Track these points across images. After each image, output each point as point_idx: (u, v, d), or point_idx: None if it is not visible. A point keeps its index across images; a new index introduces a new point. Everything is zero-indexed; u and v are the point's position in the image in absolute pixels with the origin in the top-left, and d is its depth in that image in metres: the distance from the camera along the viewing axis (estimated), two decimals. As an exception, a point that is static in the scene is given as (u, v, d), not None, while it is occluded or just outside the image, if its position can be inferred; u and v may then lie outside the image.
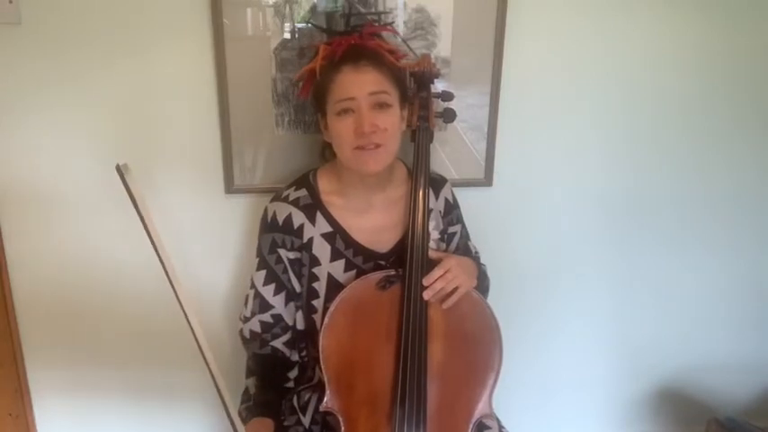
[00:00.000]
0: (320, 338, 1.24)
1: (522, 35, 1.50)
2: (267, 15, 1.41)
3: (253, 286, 1.35)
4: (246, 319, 1.36)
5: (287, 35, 1.42)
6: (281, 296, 1.33)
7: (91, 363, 1.65)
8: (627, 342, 1.87)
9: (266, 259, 1.32)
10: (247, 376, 1.36)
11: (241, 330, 1.38)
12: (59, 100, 1.42)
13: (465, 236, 1.45)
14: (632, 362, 1.90)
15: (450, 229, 1.41)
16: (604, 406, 1.96)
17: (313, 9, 1.40)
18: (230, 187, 1.53)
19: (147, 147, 1.49)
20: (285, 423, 1.35)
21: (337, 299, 1.24)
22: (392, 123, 1.22)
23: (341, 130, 1.20)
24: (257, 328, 1.34)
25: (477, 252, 1.47)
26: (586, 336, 1.85)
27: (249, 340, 1.36)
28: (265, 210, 1.34)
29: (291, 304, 1.35)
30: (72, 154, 1.47)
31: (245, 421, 1.24)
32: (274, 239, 1.31)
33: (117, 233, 1.54)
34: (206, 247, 1.57)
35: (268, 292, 1.32)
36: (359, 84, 1.18)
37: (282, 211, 1.31)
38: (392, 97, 1.22)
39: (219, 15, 1.38)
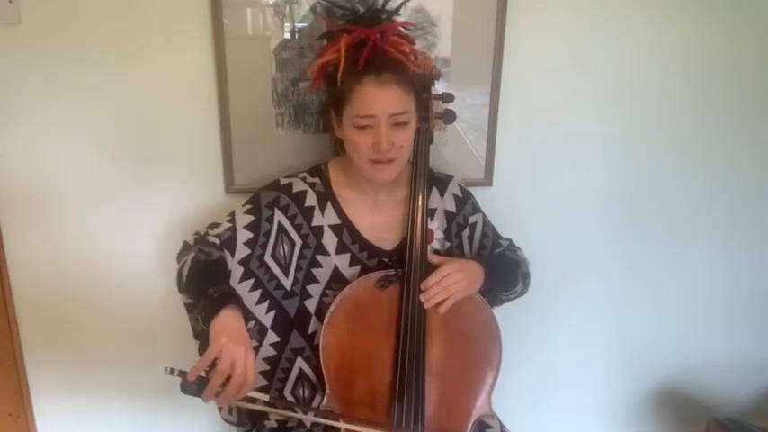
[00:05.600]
0: (320, 338, 1.24)
1: (522, 35, 1.50)
2: (267, 15, 1.41)
3: (231, 221, 1.26)
4: (201, 235, 1.25)
5: (287, 35, 1.42)
6: (247, 252, 1.25)
7: (91, 363, 1.65)
8: (627, 342, 1.87)
9: (261, 210, 1.27)
10: (183, 289, 1.20)
11: (184, 241, 1.27)
12: (59, 100, 1.42)
13: (489, 224, 1.44)
14: (632, 362, 1.90)
15: (471, 220, 1.40)
16: (604, 406, 1.96)
17: (313, 9, 1.40)
18: (230, 187, 1.53)
19: (148, 146, 1.49)
20: (288, 424, 1.34)
21: (337, 298, 1.24)
22: (408, 139, 1.23)
23: (358, 143, 1.20)
24: (214, 241, 1.23)
25: (508, 240, 1.46)
26: (587, 335, 1.85)
27: (192, 246, 1.22)
28: (278, 179, 1.32)
29: (240, 270, 1.24)
30: (72, 154, 1.47)
31: (204, 322, 1.08)
32: (279, 198, 1.28)
33: (117, 233, 1.55)
34: (206, 247, 1.57)
35: (243, 236, 1.25)
36: (380, 102, 1.17)
37: (299, 185, 1.30)
38: (411, 114, 1.21)
39: (219, 15, 1.38)
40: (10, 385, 1.62)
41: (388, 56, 1.20)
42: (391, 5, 1.31)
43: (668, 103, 1.64)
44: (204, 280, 1.14)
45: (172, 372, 1.02)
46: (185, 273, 1.18)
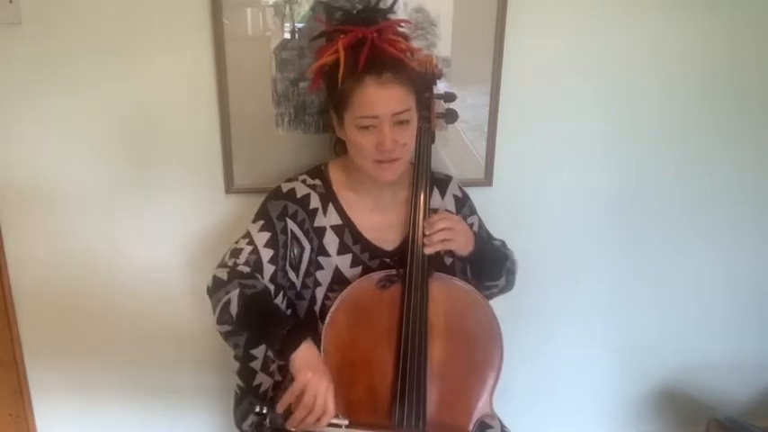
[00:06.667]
0: (321, 338, 1.24)
1: (522, 34, 1.50)
2: (267, 15, 1.41)
3: (251, 242, 1.24)
4: (230, 266, 1.21)
5: (287, 35, 1.42)
6: (272, 269, 1.24)
7: (91, 363, 1.64)
8: (627, 342, 1.87)
9: (273, 223, 1.26)
10: (231, 323, 1.17)
11: (214, 276, 1.22)
12: (59, 100, 1.42)
13: (484, 226, 1.46)
14: (632, 362, 1.90)
15: (468, 221, 1.40)
16: (604, 406, 1.96)
17: (313, 9, 1.40)
18: (230, 187, 1.53)
19: (147, 146, 1.49)
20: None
21: (338, 298, 1.24)
22: (411, 137, 1.23)
23: (361, 144, 1.20)
24: (245, 270, 1.21)
25: (501, 241, 1.48)
26: (587, 335, 1.85)
27: (228, 282, 1.18)
28: (279, 186, 1.31)
29: (272, 287, 1.24)
30: (72, 154, 1.47)
31: (280, 357, 1.12)
32: (287, 207, 1.28)
33: (117, 233, 1.54)
34: (206, 247, 1.57)
35: (266, 254, 1.24)
36: (383, 102, 1.16)
37: (302, 189, 1.30)
38: (412, 112, 1.21)
39: (219, 15, 1.38)
40: (10, 385, 1.62)
41: (386, 55, 1.20)
42: (386, 3, 1.30)
43: (668, 103, 1.64)
44: (262, 315, 1.16)
45: (261, 409, 1.12)
46: (234, 310, 1.16)
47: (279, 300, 1.27)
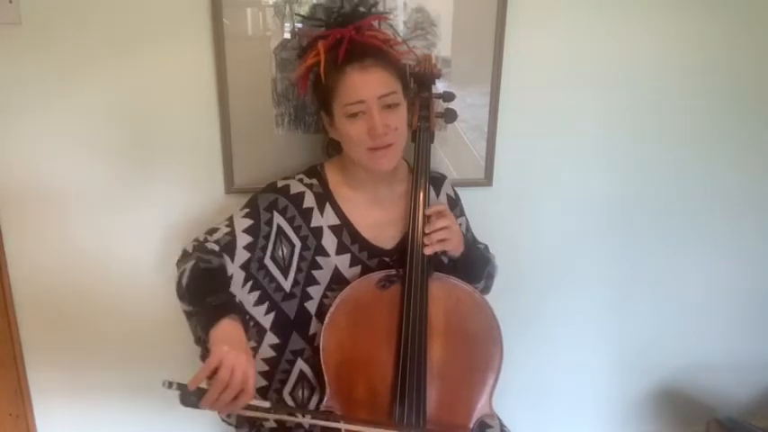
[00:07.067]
0: (321, 338, 1.24)
1: (522, 34, 1.50)
2: (267, 15, 1.41)
3: (230, 225, 1.24)
4: (200, 241, 1.23)
5: (287, 35, 1.42)
6: (247, 256, 1.24)
7: (91, 363, 1.64)
8: (627, 342, 1.87)
9: (259, 213, 1.26)
10: (183, 296, 1.17)
11: (184, 248, 1.25)
12: (59, 100, 1.42)
13: (470, 228, 1.47)
14: (633, 362, 1.90)
15: (458, 221, 1.40)
16: (604, 406, 1.96)
17: (314, 10, 1.40)
18: (230, 187, 1.53)
19: (147, 146, 1.49)
20: (287, 425, 1.34)
21: (338, 298, 1.24)
22: (401, 121, 1.23)
23: (353, 133, 1.20)
24: (212, 247, 1.21)
25: (484, 245, 1.49)
26: (587, 335, 1.85)
27: (191, 253, 1.20)
28: (275, 181, 1.31)
29: (242, 275, 1.24)
30: (72, 154, 1.47)
31: (204, 332, 1.07)
32: (277, 201, 1.27)
33: (117, 233, 1.54)
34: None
35: (242, 240, 1.24)
36: (367, 86, 1.18)
37: (297, 187, 1.30)
38: (399, 95, 1.22)
39: (219, 15, 1.38)
40: (10, 385, 1.62)
41: (366, 45, 1.22)
42: (365, 7, 1.31)
43: (668, 103, 1.64)
44: (204, 289, 1.14)
45: (170, 385, 0.99)
46: (185, 281, 1.17)
47: (246, 289, 1.25)
